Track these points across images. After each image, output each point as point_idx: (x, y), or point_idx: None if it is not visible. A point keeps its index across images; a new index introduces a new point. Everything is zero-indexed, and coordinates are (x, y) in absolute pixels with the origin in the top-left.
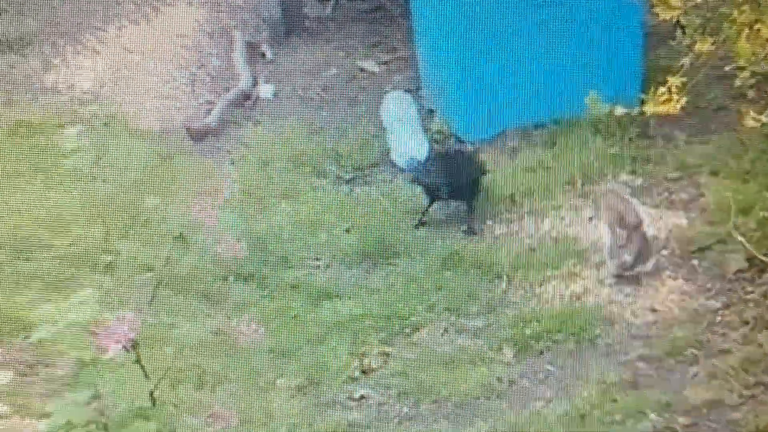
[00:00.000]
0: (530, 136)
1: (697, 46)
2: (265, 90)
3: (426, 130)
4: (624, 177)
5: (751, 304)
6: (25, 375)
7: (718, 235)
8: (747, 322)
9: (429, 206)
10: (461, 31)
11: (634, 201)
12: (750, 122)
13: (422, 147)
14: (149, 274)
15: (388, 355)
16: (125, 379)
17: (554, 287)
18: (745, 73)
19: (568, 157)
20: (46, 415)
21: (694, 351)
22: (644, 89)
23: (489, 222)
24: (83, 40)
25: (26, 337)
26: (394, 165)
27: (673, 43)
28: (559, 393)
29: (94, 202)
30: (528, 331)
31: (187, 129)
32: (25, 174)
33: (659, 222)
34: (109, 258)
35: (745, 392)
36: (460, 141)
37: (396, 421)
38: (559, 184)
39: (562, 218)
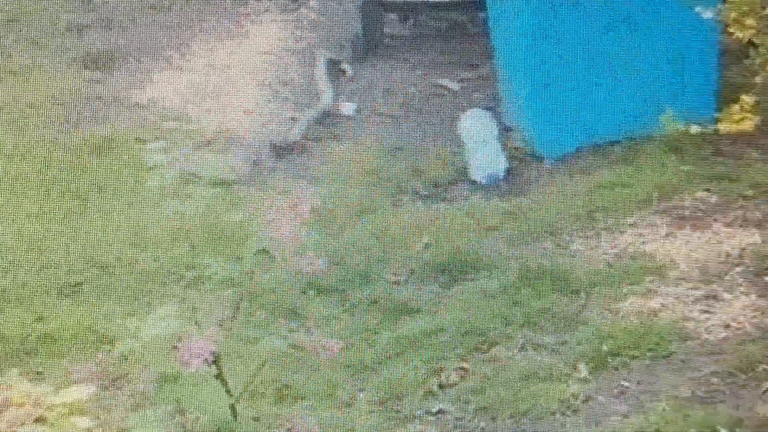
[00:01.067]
0: (606, 153)
1: None
2: (346, 107)
3: (504, 147)
4: (699, 194)
5: None
6: (108, 389)
7: None
8: None
9: None
10: (539, 50)
11: None
12: None
13: (500, 164)
14: (232, 290)
15: (465, 370)
16: (207, 394)
17: (631, 304)
18: None
19: (644, 174)
20: (128, 429)
21: (766, 367)
22: (718, 108)
23: (566, 237)
24: (168, 57)
25: (110, 351)
26: (472, 182)
27: (746, 62)
28: (633, 408)
29: (177, 218)
30: (604, 348)
31: (270, 145)
32: (109, 189)
33: (733, 240)
34: (193, 273)
35: None
36: (537, 158)
37: None
38: (635, 201)
39: (639, 235)
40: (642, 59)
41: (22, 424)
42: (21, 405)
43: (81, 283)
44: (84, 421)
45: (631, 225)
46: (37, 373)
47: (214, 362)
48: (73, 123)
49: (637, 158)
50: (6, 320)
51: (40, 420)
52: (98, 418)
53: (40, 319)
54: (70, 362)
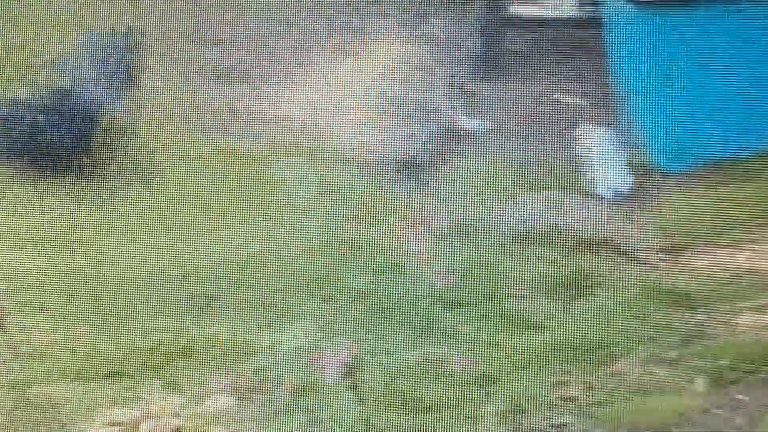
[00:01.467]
0: (730, 169)
1: None
2: (468, 123)
3: (628, 162)
4: None
5: None
6: (245, 400)
7: None
8: None
9: None
10: (659, 65)
11: None
12: None
13: (625, 179)
14: (365, 303)
15: (588, 383)
16: (340, 405)
17: (747, 319)
18: None
19: (764, 190)
20: None
21: None
22: None
23: (688, 253)
24: (296, 73)
25: (245, 363)
26: (592, 196)
27: None
28: (749, 422)
29: (311, 232)
30: (722, 362)
31: (397, 161)
32: (244, 205)
33: None
34: (328, 287)
35: None
36: (661, 173)
37: None
38: (756, 217)
39: (757, 251)
40: (763, 75)
41: None
42: (160, 416)
43: (218, 296)
44: (219, 431)
45: (750, 241)
46: (175, 384)
47: (349, 374)
48: (209, 137)
49: (760, 174)
50: (145, 332)
51: (177, 431)
52: (234, 429)
53: (178, 332)
54: (208, 374)
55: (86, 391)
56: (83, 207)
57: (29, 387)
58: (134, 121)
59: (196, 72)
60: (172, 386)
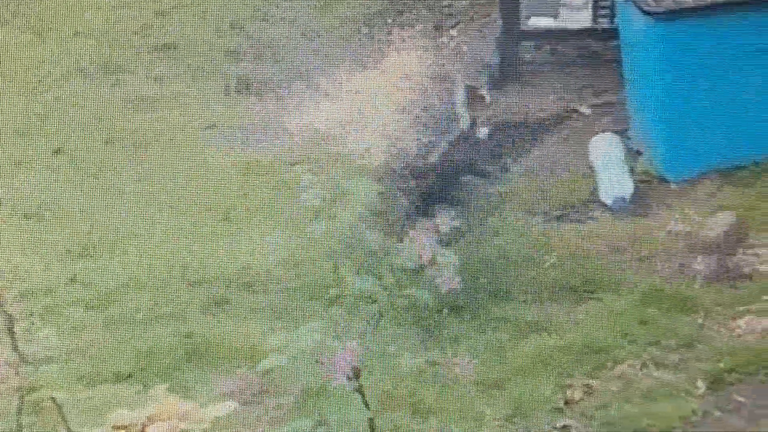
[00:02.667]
0: (732, 177)
1: None
2: (483, 132)
3: (632, 170)
4: None
5: None
6: (250, 404)
7: None
8: None
9: None
10: (667, 75)
11: None
12: None
13: (628, 186)
14: (372, 306)
15: (590, 387)
16: (347, 407)
17: (747, 322)
18: None
19: (766, 198)
20: None
21: None
22: None
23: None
24: (317, 84)
25: (254, 367)
26: (601, 203)
27: None
28: (749, 424)
29: (321, 237)
30: (722, 365)
31: (410, 169)
32: (256, 211)
33: None
34: (335, 290)
35: None
36: (663, 181)
37: None
38: (755, 224)
39: (757, 255)
40: (766, 85)
41: None
42: (166, 419)
43: (227, 300)
44: None
45: (749, 246)
46: (183, 387)
47: (356, 376)
48: (225, 147)
49: (761, 182)
50: (154, 336)
51: None
52: None
53: (187, 335)
54: (216, 377)
55: (93, 395)
56: (94, 211)
57: (36, 391)
58: (153, 128)
59: (214, 83)
60: (180, 390)
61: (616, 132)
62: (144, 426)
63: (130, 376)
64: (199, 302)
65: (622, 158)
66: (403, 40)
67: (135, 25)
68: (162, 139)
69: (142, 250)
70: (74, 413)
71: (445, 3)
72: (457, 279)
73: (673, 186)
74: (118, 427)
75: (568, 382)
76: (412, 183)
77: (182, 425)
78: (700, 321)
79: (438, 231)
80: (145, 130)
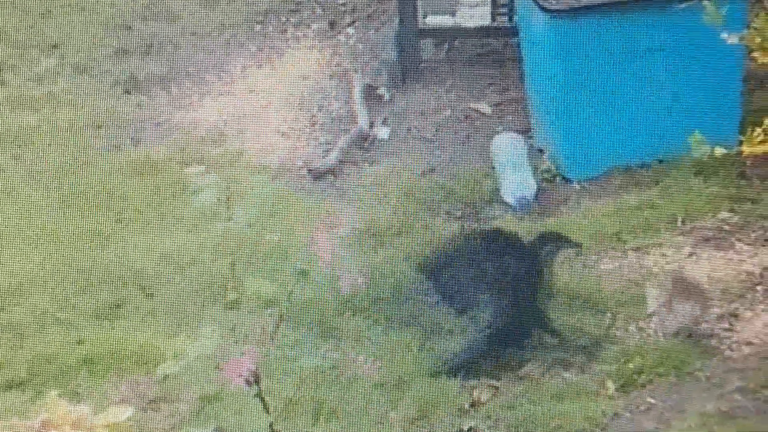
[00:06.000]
0: (634, 175)
1: None
2: (382, 131)
3: (535, 169)
4: (722, 215)
5: None
6: (147, 410)
7: None
8: None
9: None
10: (565, 74)
11: None
12: None
13: (530, 185)
14: (271, 309)
15: (496, 388)
16: (246, 413)
17: (656, 322)
18: None
19: (669, 195)
20: None
21: None
22: (742, 131)
23: (594, 257)
24: (208, 81)
25: (150, 372)
26: (504, 202)
27: None
28: (659, 425)
29: (218, 239)
30: (631, 366)
31: (308, 168)
32: (150, 211)
33: (754, 259)
34: (233, 294)
35: None
36: (566, 180)
37: None
38: (662, 222)
39: (664, 255)
40: (668, 83)
41: None
42: (61, 426)
43: (121, 305)
44: None
45: (656, 245)
46: (77, 394)
47: (255, 381)
48: (115, 146)
49: (664, 180)
50: (46, 341)
51: None
52: None
53: (80, 340)
54: (110, 383)
55: None
56: None
57: None
58: (39, 128)
59: (102, 82)
60: (74, 396)
61: (518, 131)
62: None
63: (21, 383)
64: (92, 307)
65: (525, 157)
66: (299, 39)
67: (19, 24)
68: (49, 139)
69: (30, 253)
70: None
71: (341, 1)
72: (360, 280)
73: (576, 185)
74: None
75: (474, 383)
76: (310, 183)
77: None
78: (607, 321)
79: (339, 231)
80: (31, 129)
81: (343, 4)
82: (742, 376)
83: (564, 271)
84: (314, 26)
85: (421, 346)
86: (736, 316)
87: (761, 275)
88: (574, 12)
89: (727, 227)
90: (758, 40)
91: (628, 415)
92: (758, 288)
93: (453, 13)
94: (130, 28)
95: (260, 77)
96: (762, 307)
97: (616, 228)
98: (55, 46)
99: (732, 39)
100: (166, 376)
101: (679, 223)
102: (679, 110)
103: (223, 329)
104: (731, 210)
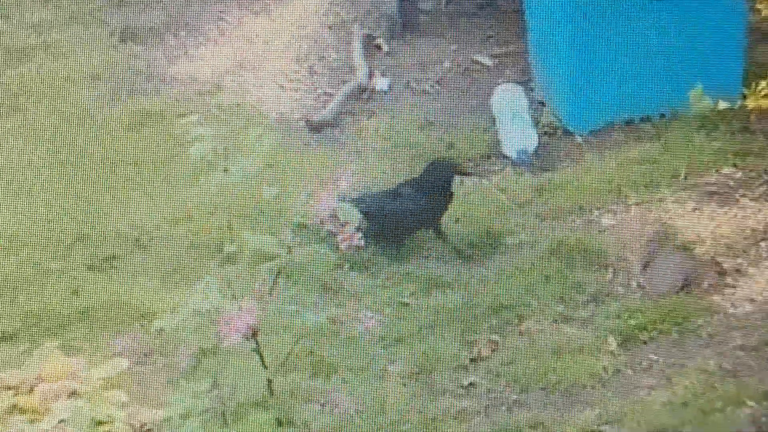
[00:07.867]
0: (637, 129)
1: None
2: (381, 83)
3: (536, 122)
4: (726, 170)
5: None
6: (145, 363)
7: None
8: None
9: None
10: (570, 26)
11: None
12: None
13: (531, 139)
14: (269, 264)
15: (497, 343)
16: (244, 368)
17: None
18: None
19: (672, 150)
20: (165, 404)
21: None
22: (746, 85)
23: (596, 212)
24: (205, 31)
25: (146, 326)
26: (504, 156)
27: None
28: (661, 382)
29: (215, 192)
30: (632, 322)
31: (306, 120)
32: (146, 164)
33: (758, 214)
34: (230, 247)
35: None
36: (568, 133)
37: (504, 408)
38: (664, 177)
39: (666, 210)
40: (671, 36)
41: (57, 397)
42: (56, 379)
43: (116, 257)
44: (119, 395)
45: (659, 200)
46: (73, 347)
47: (253, 336)
48: (111, 97)
49: (667, 134)
50: (42, 294)
51: (74, 394)
52: (134, 392)
53: (75, 292)
54: (106, 336)
55: None
56: None
57: None
58: (34, 79)
59: (98, 32)
60: (69, 349)
61: (519, 83)
62: (32, 386)
63: (16, 335)
64: (87, 259)
65: (526, 110)
66: None
67: None
68: (43, 90)
69: (25, 205)
70: None
71: None
72: (359, 236)
73: (578, 138)
74: (6, 387)
75: (474, 338)
76: (309, 135)
77: (72, 384)
78: (609, 277)
79: (337, 185)
80: (25, 80)
81: None
82: (745, 333)
83: (566, 226)
84: None
85: (420, 301)
86: (739, 272)
87: (765, 231)
88: None
89: (730, 182)
90: None
91: (629, 371)
92: (762, 244)
93: None
94: None
95: (257, 27)
96: (766, 263)
97: (618, 183)
98: None
99: None
100: (161, 330)
101: (681, 178)
102: (682, 64)
103: (220, 284)
104: (735, 165)
